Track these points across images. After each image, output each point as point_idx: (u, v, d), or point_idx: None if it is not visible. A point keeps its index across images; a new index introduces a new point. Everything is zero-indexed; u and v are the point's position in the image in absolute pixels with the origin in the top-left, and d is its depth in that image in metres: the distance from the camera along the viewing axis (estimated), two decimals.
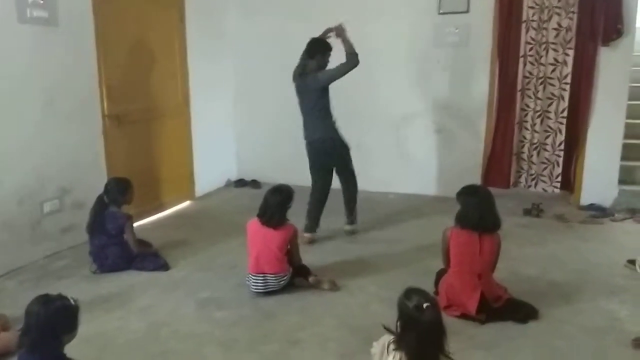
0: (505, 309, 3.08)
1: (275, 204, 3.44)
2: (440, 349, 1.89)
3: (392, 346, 1.94)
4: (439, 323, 1.90)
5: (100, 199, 3.86)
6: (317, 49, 4.35)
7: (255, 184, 6.28)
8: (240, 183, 6.40)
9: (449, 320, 2.52)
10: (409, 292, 1.96)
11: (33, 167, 3.95)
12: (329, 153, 4.45)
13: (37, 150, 3.97)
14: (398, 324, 1.95)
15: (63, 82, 4.12)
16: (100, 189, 4.00)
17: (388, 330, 2.04)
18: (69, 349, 2.14)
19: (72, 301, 2.12)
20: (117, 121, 4.62)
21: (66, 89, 4.15)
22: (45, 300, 2.09)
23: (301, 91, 4.41)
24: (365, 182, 5.92)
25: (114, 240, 3.80)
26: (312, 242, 4.39)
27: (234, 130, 6.51)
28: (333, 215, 4.72)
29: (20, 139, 3.85)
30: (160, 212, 5.27)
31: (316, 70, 4.33)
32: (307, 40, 4.47)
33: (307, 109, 4.41)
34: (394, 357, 1.93)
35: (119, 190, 3.85)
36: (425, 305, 1.87)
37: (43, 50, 3.96)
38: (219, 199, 5.94)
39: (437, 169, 5.85)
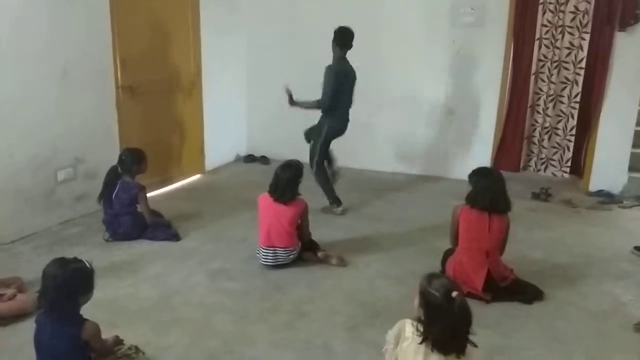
0: (511, 289, 3.13)
1: (286, 180, 3.47)
2: (467, 335, 1.88)
3: (416, 337, 1.90)
4: (469, 310, 1.88)
5: (113, 169, 3.90)
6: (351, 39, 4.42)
7: (264, 159, 6.32)
8: (250, 158, 6.43)
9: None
10: (431, 279, 1.92)
11: (48, 136, 3.99)
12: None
13: (52, 120, 4.01)
14: (423, 312, 1.90)
15: (78, 53, 4.14)
16: (112, 159, 4.06)
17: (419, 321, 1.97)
18: (83, 312, 2.21)
19: (87, 264, 2.18)
20: (131, 92, 4.65)
21: (81, 61, 4.17)
22: (62, 263, 2.15)
23: (350, 82, 4.48)
24: (373, 161, 5.96)
25: (127, 210, 3.86)
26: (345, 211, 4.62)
27: (245, 105, 6.51)
28: (340, 192, 4.76)
29: (36, 109, 3.88)
30: (170, 184, 5.33)
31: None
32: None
33: (349, 100, 4.52)
34: (410, 342, 1.92)
35: (133, 161, 3.89)
36: (454, 293, 1.85)
37: (60, 23, 3.98)
38: (228, 173, 5.98)
39: (447, 151, 5.85)
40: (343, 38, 4.38)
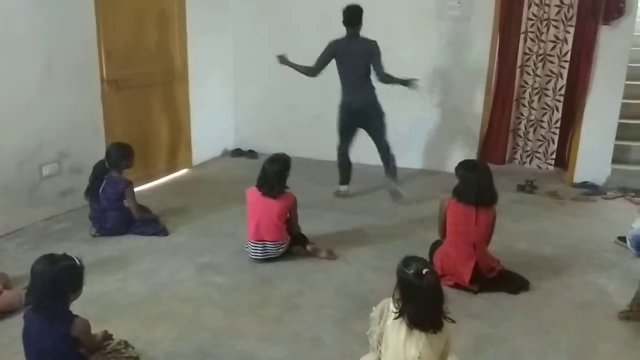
0: (498, 280, 3.17)
1: (274, 173, 3.47)
2: (440, 312, 1.95)
3: (392, 313, 1.99)
4: (438, 287, 1.96)
5: (100, 164, 3.87)
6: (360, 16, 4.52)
7: (252, 154, 6.30)
8: (237, 152, 6.41)
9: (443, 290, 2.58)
10: (407, 260, 2.00)
11: (32, 130, 3.94)
12: (370, 116, 4.70)
13: (36, 114, 3.95)
14: (398, 290, 1.99)
15: (61, 45, 4.08)
16: (98, 153, 4.02)
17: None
18: (72, 308, 2.19)
19: (77, 261, 2.17)
20: (116, 86, 4.60)
21: (64, 53, 4.11)
22: (51, 259, 2.13)
23: (348, 58, 4.56)
24: (362, 154, 5.96)
25: (114, 205, 3.83)
26: (345, 195, 4.85)
27: (232, 99, 6.48)
28: (328, 186, 4.77)
29: (19, 101, 3.83)
30: (157, 179, 5.29)
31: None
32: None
33: (351, 76, 4.61)
34: (393, 321, 1.99)
35: (120, 156, 3.86)
36: (424, 271, 1.92)
37: (41, 13, 3.92)
38: (216, 167, 5.96)
39: (435, 144, 5.88)
40: (344, 16, 4.51)
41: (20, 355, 2.23)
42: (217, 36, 6.06)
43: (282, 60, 4.63)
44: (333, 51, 4.55)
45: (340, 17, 4.50)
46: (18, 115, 3.82)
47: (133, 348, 2.44)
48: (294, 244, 3.57)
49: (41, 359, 2.15)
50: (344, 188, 4.94)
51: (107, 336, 2.42)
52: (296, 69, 4.62)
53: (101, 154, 3.96)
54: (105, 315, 2.76)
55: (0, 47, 3.66)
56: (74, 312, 2.18)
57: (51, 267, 2.09)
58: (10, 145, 3.80)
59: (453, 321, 2.01)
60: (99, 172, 3.85)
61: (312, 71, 4.60)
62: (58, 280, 2.09)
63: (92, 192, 3.84)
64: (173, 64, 5.40)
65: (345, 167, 4.91)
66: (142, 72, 4.98)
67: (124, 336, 2.48)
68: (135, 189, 4.04)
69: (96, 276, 3.15)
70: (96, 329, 2.33)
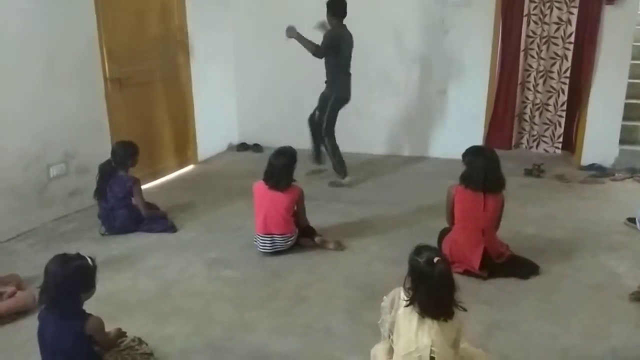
0: (508, 265, 3.17)
1: (280, 167, 3.47)
2: (451, 300, 1.95)
3: (403, 301, 1.99)
4: (450, 275, 1.95)
5: (107, 163, 3.88)
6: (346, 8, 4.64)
7: (257, 147, 6.29)
8: (242, 147, 6.41)
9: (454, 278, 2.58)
10: (419, 249, 2.00)
11: (37, 131, 3.95)
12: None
13: (40, 115, 3.96)
14: (409, 278, 1.98)
15: (62, 44, 4.08)
16: (104, 153, 4.03)
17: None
18: (84, 307, 2.20)
19: (89, 260, 2.18)
20: (119, 84, 4.60)
21: (66, 52, 4.11)
22: (63, 260, 2.14)
23: (349, 47, 4.67)
24: (368, 145, 5.97)
25: (122, 203, 3.85)
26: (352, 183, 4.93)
27: (235, 94, 6.47)
28: (335, 178, 4.75)
29: (23, 103, 3.84)
30: (164, 176, 5.31)
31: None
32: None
33: (349, 68, 4.72)
34: (404, 309, 1.99)
35: (126, 154, 3.87)
36: (436, 259, 1.91)
37: (43, 13, 3.91)
38: (221, 162, 5.97)
39: (440, 131, 5.85)
40: (340, 8, 4.58)
41: (33, 357, 2.25)
42: (218, 31, 6.04)
43: (291, 31, 4.57)
44: (339, 42, 4.58)
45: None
46: (22, 117, 3.84)
47: (147, 344, 2.45)
48: (302, 236, 3.58)
49: (57, 358, 2.17)
50: (348, 179, 4.94)
51: (121, 333, 2.44)
52: (303, 44, 4.56)
53: (107, 153, 3.97)
54: (117, 313, 2.78)
55: (1, 48, 3.66)
56: (87, 311, 2.20)
57: (63, 267, 2.10)
58: (16, 147, 3.81)
59: (464, 309, 2.00)
60: (106, 171, 3.86)
61: (320, 52, 4.55)
62: (70, 280, 2.11)
63: (99, 191, 3.86)
64: (175, 60, 5.40)
65: (340, 156, 4.92)
66: (145, 70, 4.98)
67: (136, 333, 2.50)
68: (143, 187, 4.06)
69: (107, 274, 3.16)
70: (109, 327, 2.35)
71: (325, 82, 4.77)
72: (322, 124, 4.78)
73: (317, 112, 4.83)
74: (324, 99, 4.79)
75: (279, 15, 5.72)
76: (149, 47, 5.02)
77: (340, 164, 4.90)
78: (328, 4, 4.58)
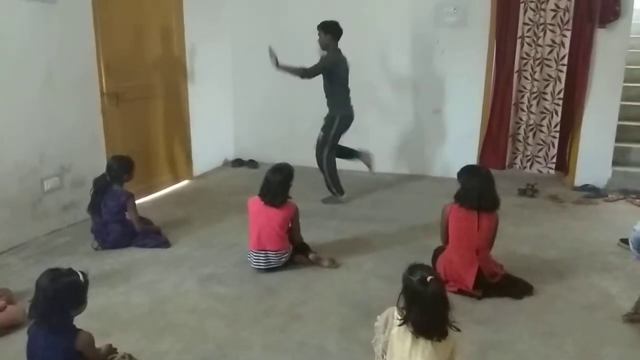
0: (502, 285, 3.16)
1: (277, 183, 3.47)
2: (444, 319, 1.95)
3: (397, 320, 1.99)
4: (443, 295, 1.96)
5: (102, 177, 3.87)
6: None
7: (252, 163, 6.31)
8: (238, 163, 6.42)
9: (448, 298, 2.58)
10: (413, 268, 2.01)
11: (33, 145, 3.95)
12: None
13: (36, 128, 3.97)
14: (402, 298, 1.99)
15: (61, 59, 4.10)
16: (99, 167, 4.03)
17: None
18: (75, 322, 2.18)
19: (80, 276, 2.16)
20: (116, 99, 4.62)
21: (64, 67, 4.13)
22: (53, 275, 2.12)
23: (344, 70, 4.77)
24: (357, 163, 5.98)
25: (116, 218, 3.83)
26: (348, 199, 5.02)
27: (232, 110, 6.50)
28: (329, 195, 4.75)
29: (19, 116, 3.84)
30: (159, 191, 5.30)
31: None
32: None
33: (346, 86, 4.81)
34: (398, 329, 1.98)
35: (121, 168, 3.87)
36: (429, 278, 1.92)
37: (41, 27, 3.94)
38: (217, 178, 5.97)
39: (434, 150, 5.89)
40: (337, 29, 4.67)
41: None
42: (215, 47, 6.09)
43: (273, 61, 4.62)
44: (331, 66, 4.66)
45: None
46: (19, 130, 3.84)
47: None
48: (296, 253, 3.57)
49: None
50: (345, 196, 4.97)
51: (112, 350, 2.41)
52: (289, 72, 4.64)
53: (102, 167, 3.97)
54: (109, 329, 2.76)
55: (0, 62, 3.67)
56: (78, 326, 2.18)
57: (52, 284, 2.08)
58: (12, 160, 3.81)
59: (458, 329, 2.00)
60: (101, 186, 3.85)
61: (308, 74, 4.62)
62: (60, 296, 2.08)
63: (93, 205, 3.85)
64: (172, 76, 5.43)
65: (337, 176, 4.96)
66: (142, 85, 5.01)
67: (128, 349, 2.47)
68: (137, 202, 4.05)
69: (99, 289, 3.15)
70: (100, 343, 2.33)
71: (327, 104, 4.83)
72: (326, 142, 4.82)
73: (320, 133, 4.85)
74: (329, 119, 4.83)
75: (277, 31, 5.80)
76: (146, 62, 5.06)
77: (335, 182, 4.93)
78: (326, 26, 4.64)
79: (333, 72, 4.67)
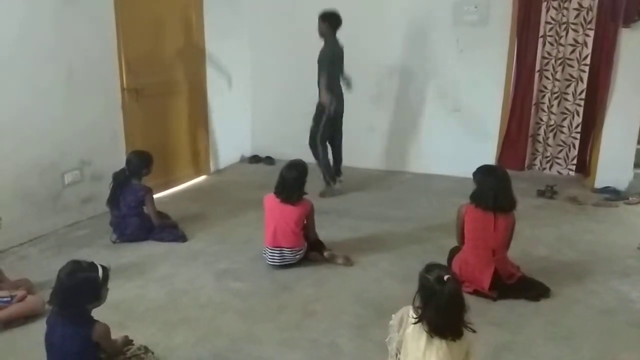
0: (518, 286, 3.13)
1: (292, 180, 3.48)
2: (460, 319, 1.93)
3: (412, 319, 1.98)
4: (460, 294, 1.95)
5: (121, 172, 3.92)
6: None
7: (269, 160, 6.33)
8: (255, 159, 6.45)
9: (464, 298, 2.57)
10: (430, 267, 2.00)
11: (55, 139, 4.02)
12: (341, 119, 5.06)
13: (58, 123, 4.03)
14: (418, 296, 1.98)
15: (83, 55, 4.16)
16: (118, 161, 4.09)
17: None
18: (93, 314, 2.22)
19: (100, 271, 2.17)
20: (136, 95, 4.67)
21: (86, 63, 4.19)
22: (72, 269, 2.15)
23: (341, 59, 4.83)
24: (381, 161, 5.98)
25: (134, 212, 3.88)
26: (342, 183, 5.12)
27: (250, 106, 6.53)
28: (346, 193, 4.75)
29: (43, 112, 3.91)
30: (176, 186, 5.35)
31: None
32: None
33: (338, 73, 4.84)
34: (413, 329, 1.97)
35: (140, 163, 3.91)
36: (446, 277, 1.91)
37: (64, 25, 4.00)
38: (233, 174, 6.00)
39: (452, 149, 5.84)
40: (335, 19, 4.73)
41: None
42: (235, 43, 6.12)
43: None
44: (333, 58, 4.75)
45: (349, 19, 4.77)
46: (41, 125, 3.91)
47: (153, 353, 2.46)
48: (311, 250, 3.58)
49: None
50: (337, 186, 5.07)
51: (128, 341, 2.45)
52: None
53: (121, 162, 4.02)
54: (125, 321, 2.80)
55: (22, 59, 3.74)
56: (95, 317, 2.21)
57: (70, 278, 2.12)
58: (33, 154, 3.87)
59: (474, 331, 1.98)
60: (120, 180, 3.90)
61: (324, 77, 4.74)
62: (75, 291, 2.12)
63: (112, 199, 3.90)
64: (192, 72, 5.47)
65: (330, 165, 5.06)
66: (162, 81, 5.06)
67: (143, 342, 2.50)
68: (155, 196, 4.09)
69: (116, 282, 3.14)
70: (116, 335, 2.36)
71: (319, 93, 4.89)
72: (317, 132, 4.91)
73: (312, 123, 4.96)
74: (319, 107, 4.90)
75: (295, 27, 5.80)
76: (166, 58, 5.11)
77: (327, 171, 5.02)
78: (325, 16, 4.73)
79: (331, 63, 4.76)
